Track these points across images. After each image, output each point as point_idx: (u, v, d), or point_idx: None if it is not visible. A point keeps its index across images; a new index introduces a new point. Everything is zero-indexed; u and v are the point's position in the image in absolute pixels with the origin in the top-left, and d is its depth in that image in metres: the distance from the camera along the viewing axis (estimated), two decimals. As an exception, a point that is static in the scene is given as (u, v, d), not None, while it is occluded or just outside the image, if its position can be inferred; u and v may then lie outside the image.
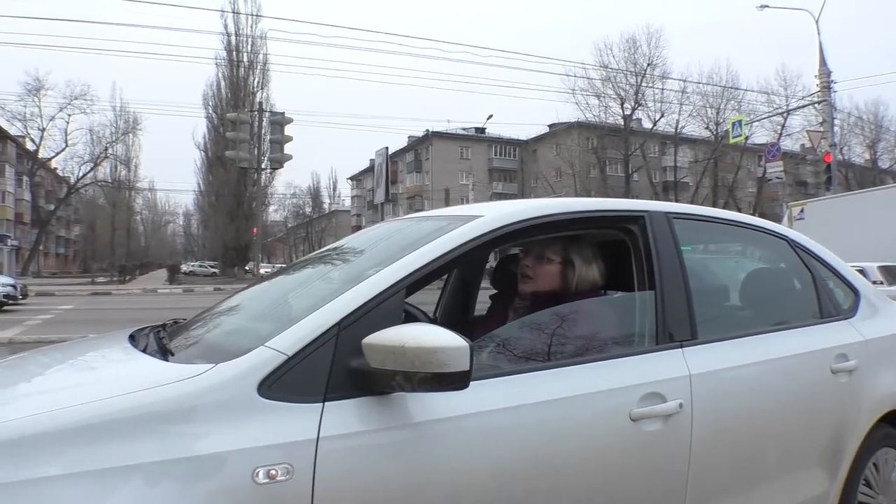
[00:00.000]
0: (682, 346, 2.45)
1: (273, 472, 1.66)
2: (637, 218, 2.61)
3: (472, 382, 1.83)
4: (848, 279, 3.33)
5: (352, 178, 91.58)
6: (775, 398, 2.64)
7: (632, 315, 2.52)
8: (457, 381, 1.73)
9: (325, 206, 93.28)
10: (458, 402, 1.89)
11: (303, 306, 2.07)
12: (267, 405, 1.73)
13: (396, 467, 1.81)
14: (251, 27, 50.46)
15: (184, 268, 56.66)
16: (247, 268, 48.52)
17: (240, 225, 49.99)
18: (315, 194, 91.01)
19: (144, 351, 2.22)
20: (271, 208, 70.20)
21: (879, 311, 3.33)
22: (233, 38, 50.85)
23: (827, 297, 3.16)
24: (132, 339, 2.50)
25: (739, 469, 2.52)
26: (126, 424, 1.61)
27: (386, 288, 1.97)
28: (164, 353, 2.14)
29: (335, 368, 1.82)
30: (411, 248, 2.15)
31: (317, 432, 1.73)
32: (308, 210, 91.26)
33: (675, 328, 2.46)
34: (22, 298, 21.91)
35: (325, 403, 1.78)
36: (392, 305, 1.96)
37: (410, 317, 2.82)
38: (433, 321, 3.50)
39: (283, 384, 1.77)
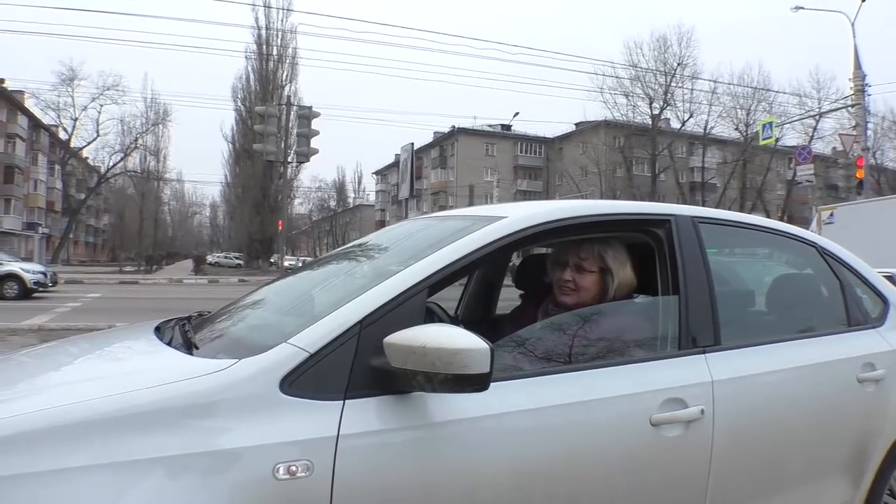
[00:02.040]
0: (704, 352, 2.42)
1: (294, 468, 1.67)
2: (663, 222, 2.58)
3: (493, 383, 1.83)
4: (877, 287, 3.28)
5: (377, 173, 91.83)
6: (799, 406, 2.61)
7: (655, 319, 2.50)
8: (477, 382, 1.73)
9: (350, 200, 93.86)
10: (478, 403, 1.89)
11: (326, 303, 2.08)
12: (289, 402, 1.74)
13: (415, 466, 1.82)
14: (281, 21, 50.95)
15: (209, 259, 57.26)
16: (271, 260, 48.86)
17: (265, 217, 50.42)
18: (340, 188, 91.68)
19: (170, 344, 2.24)
20: (296, 201, 70.81)
21: None
22: (263, 32, 51.37)
23: (855, 305, 3.11)
24: (158, 330, 2.53)
25: (760, 477, 2.50)
26: (150, 417, 1.63)
27: (409, 287, 1.97)
28: (189, 347, 2.16)
29: (356, 366, 1.83)
30: (435, 247, 2.16)
31: (337, 430, 1.74)
32: (333, 204, 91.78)
33: (699, 333, 2.44)
34: (52, 286, 22.36)
35: (346, 401, 1.79)
36: (414, 305, 1.97)
37: (432, 315, 2.82)
38: (455, 320, 3.50)
39: (304, 381, 1.78)
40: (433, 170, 73.54)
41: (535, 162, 72.25)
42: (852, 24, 24.29)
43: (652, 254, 2.59)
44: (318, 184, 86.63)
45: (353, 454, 1.74)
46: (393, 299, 1.93)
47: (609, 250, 2.62)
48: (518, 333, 2.33)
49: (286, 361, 1.79)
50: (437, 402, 1.86)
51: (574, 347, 2.32)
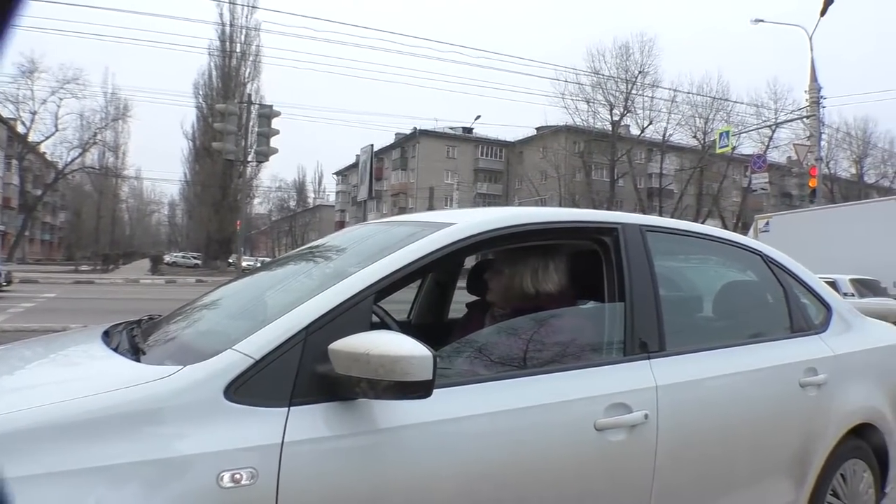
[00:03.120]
0: (650, 358, 2.46)
1: (238, 475, 1.65)
2: (610, 230, 2.62)
3: (439, 389, 1.85)
4: (820, 295, 3.37)
5: (337, 174, 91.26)
6: (743, 410, 2.67)
7: (601, 326, 2.54)
8: (420, 389, 1.74)
9: (310, 200, 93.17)
10: (423, 409, 1.89)
11: (273, 308, 2.08)
12: (233, 409, 1.73)
13: (361, 473, 1.82)
14: (246, 18, 50.39)
15: (167, 258, 56.36)
16: (230, 260, 48.35)
17: (224, 217, 49.86)
18: (300, 188, 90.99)
19: (116, 349, 2.20)
20: (256, 201, 69.88)
21: (852, 326, 3.37)
22: (227, 28, 50.76)
23: (799, 312, 3.19)
24: (106, 335, 2.49)
25: (705, 480, 2.55)
26: (91, 426, 1.60)
27: (354, 293, 1.97)
28: (136, 353, 2.13)
29: (301, 373, 1.82)
30: (382, 253, 2.16)
31: (282, 437, 1.74)
32: (292, 204, 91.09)
33: (644, 339, 2.48)
34: (6, 285, 21.86)
35: (291, 408, 1.78)
36: (360, 311, 1.97)
37: (380, 321, 2.83)
38: (406, 324, 3.51)
39: (249, 388, 1.77)
40: (394, 171, 73.34)
41: (496, 165, 72.46)
42: (810, 38, 24.78)
43: (600, 261, 2.63)
44: (279, 183, 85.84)
45: (298, 461, 1.74)
46: (339, 305, 1.93)
47: (527, 255, 2.66)
48: (465, 339, 2.35)
49: (231, 368, 1.77)
50: (382, 409, 1.86)
51: (520, 353, 2.34)
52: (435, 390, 1.84)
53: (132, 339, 2.35)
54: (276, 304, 2.11)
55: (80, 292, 23.00)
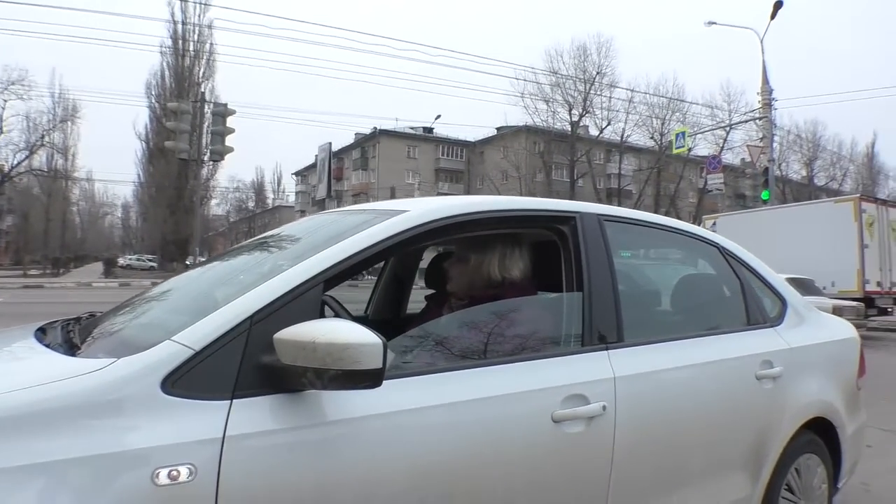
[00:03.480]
0: (607, 349, 2.43)
1: (175, 472, 1.57)
2: (568, 219, 2.58)
3: (392, 380, 1.80)
4: (776, 288, 3.38)
5: (296, 174, 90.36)
6: (700, 402, 2.65)
7: (559, 316, 2.49)
8: (369, 379, 1.67)
9: (269, 201, 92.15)
10: (374, 401, 1.83)
11: (217, 299, 1.98)
12: (171, 402, 1.64)
13: (308, 468, 1.74)
14: (199, 16, 49.63)
15: (121, 261, 55.50)
16: (187, 262, 47.64)
17: (180, 218, 49.09)
18: (259, 189, 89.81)
19: (49, 345, 2.09)
20: (213, 202, 69.01)
21: (805, 320, 3.39)
22: (179, 27, 49.95)
23: (755, 305, 3.19)
24: (43, 331, 2.37)
25: (662, 472, 2.52)
26: (13, 423, 1.50)
27: (302, 282, 1.89)
28: (71, 348, 2.03)
29: (245, 364, 1.74)
30: (333, 241, 2.09)
31: (223, 431, 1.65)
32: (251, 205, 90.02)
33: (602, 330, 2.45)
34: (-53, 290, 21.21)
35: (234, 401, 1.70)
36: (308, 300, 1.89)
37: (335, 315, 2.75)
38: (363, 320, 3.43)
39: (188, 380, 1.68)
40: (354, 171, 72.89)
41: (457, 165, 72.53)
42: (761, 41, 25.19)
43: (557, 251, 2.58)
44: (237, 184, 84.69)
45: (240, 456, 1.65)
46: (285, 294, 1.85)
47: (487, 242, 2.65)
48: (420, 329, 2.30)
49: (169, 360, 1.68)
50: (330, 401, 1.79)
51: (477, 343, 2.30)
52: (388, 381, 1.78)
53: (67, 335, 2.24)
54: (221, 295, 2.01)
55: (29, 297, 22.45)
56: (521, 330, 2.38)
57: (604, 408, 2.27)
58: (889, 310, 16.86)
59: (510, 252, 2.62)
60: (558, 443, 2.18)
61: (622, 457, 2.32)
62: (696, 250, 3.32)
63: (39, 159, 61.12)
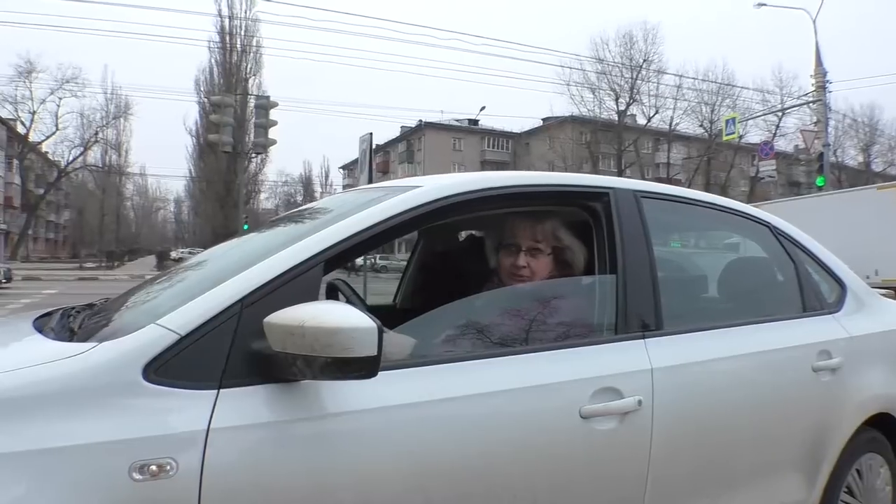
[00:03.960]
0: (644, 337, 2.21)
1: (154, 467, 1.43)
2: (601, 195, 2.36)
3: (400, 370, 1.66)
4: (834, 271, 3.10)
5: (343, 168, 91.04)
6: (749, 396, 2.42)
7: (591, 301, 2.29)
8: (362, 368, 1.50)
9: (317, 194, 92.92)
10: (378, 392, 1.66)
11: (211, 280, 1.82)
12: (153, 391, 1.50)
13: (302, 465, 1.58)
14: (245, 11, 50.01)
15: (173, 254, 56.35)
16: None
17: (229, 212, 49.49)
18: (307, 183, 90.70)
19: (41, 330, 1.96)
20: (262, 196, 69.73)
21: (866, 305, 3.11)
22: (226, 22, 50.37)
23: (811, 290, 2.93)
24: (47, 316, 2.27)
25: (706, 474, 2.30)
26: None
27: (299, 262, 1.73)
28: (67, 333, 1.90)
29: (235, 351, 1.59)
30: (338, 219, 1.91)
31: (208, 423, 1.50)
32: (299, 199, 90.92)
33: (639, 316, 2.23)
34: (6, 282, 21.97)
35: (221, 390, 1.55)
36: (306, 282, 1.72)
37: (338, 297, 2.58)
38: (390, 309, 3.28)
39: (173, 367, 1.53)
40: (400, 164, 73.12)
41: (502, 157, 72.09)
42: (814, 21, 24.43)
43: (589, 230, 2.37)
44: (285, 178, 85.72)
45: (226, 451, 1.50)
46: (281, 275, 1.69)
47: (561, 226, 2.42)
48: (435, 315, 2.10)
49: (152, 345, 1.54)
50: (328, 391, 1.63)
51: (498, 330, 2.10)
52: (396, 371, 1.65)
53: (66, 320, 2.12)
54: (216, 275, 1.85)
55: (83, 288, 22.95)
56: (548, 317, 2.19)
57: (639, 402, 2.06)
58: None
59: (574, 233, 2.42)
60: (587, 441, 1.97)
61: (660, 456, 2.10)
62: (744, 230, 3.05)
63: (94, 155, 62.73)
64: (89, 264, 43.52)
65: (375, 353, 1.49)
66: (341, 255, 1.83)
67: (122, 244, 64.04)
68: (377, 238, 1.91)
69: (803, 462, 2.60)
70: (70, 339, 1.79)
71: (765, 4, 27.14)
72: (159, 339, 1.54)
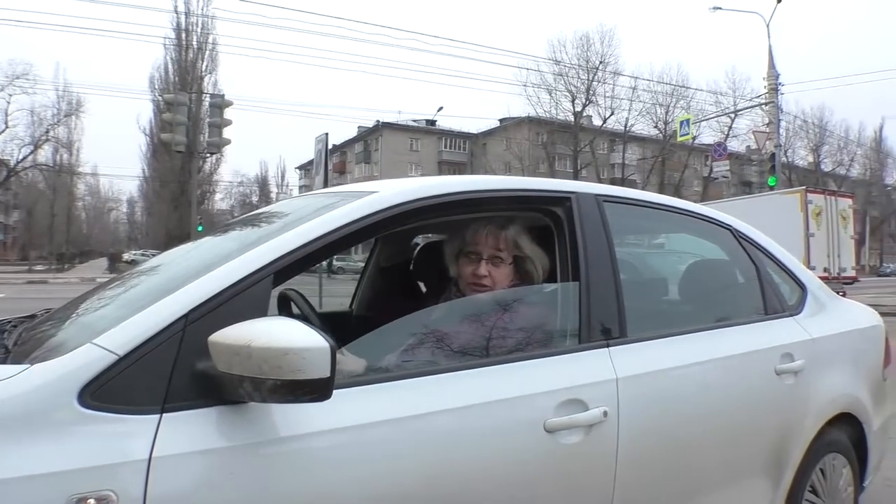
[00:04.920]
0: (608, 346, 2.15)
1: (92, 501, 1.31)
2: (562, 199, 2.29)
3: (354, 388, 1.57)
4: (794, 273, 3.10)
5: (299, 168, 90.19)
6: (714, 403, 2.38)
7: (554, 310, 2.22)
8: (315, 390, 1.40)
9: (273, 195, 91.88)
10: (332, 414, 1.56)
11: (154, 294, 1.70)
12: (89, 416, 1.38)
13: (252, 493, 1.47)
14: (202, 8, 49.17)
15: (125, 256, 55.24)
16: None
17: (183, 213, 48.61)
18: (262, 183, 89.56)
19: None
20: (217, 196, 68.72)
21: (826, 307, 3.12)
22: (182, 19, 49.47)
23: (772, 292, 2.91)
24: None
25: (673, 482, 2.25)
26: None
27: (248, 274, 1.62)
28: (2, 351, 1.78)
29: (178, 371, 1.47)
30: (289, 227, 1.81)
31: (150, 450, 1.39)
32: (255, 199, 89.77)
33: (602, 324, 2.16)
34: (-54, 286, 21.26)
35: (164, 414, 1.44)
36: (255, 296, 1.61)
37: (290, 308, 2.47)
38: (346, 316, 3.17)
39: (111, 390, 1.41)
40: (357, 164, 72.67)
41: (460, 157, 72.12)
42: (767, 25, 24.83)
43: (550, 237, 2.30)
44: (241, 178, 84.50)
45: (170, 480, 1.39)
46: (227, 289, 1.58)
47: (522, 234, 2.35)
48: (390, 329, 2.00)
49: (87, 367, 1.41)
50: (279, 413, 1.52)
51: (457, 344, 2.01)
52: (351, 389, 1.57)
53: (1, 337, 1.98)
54: (161, 287, 1.73)
55: (32, 292, 22.37)
56: (511, 327, 2.11)
57: (605, 413, 1.99)
58: (839, 293, 17.15)
59: (537, 245, 2.36)
60: (553, 455, 1.90)
61: (627, 468, 2.05)
62: (706, 233, 3.02)
63: (44, 154, 60.93)
64: (39, 267, 42.55)
65: (329, 375, 1.39)
66: (293, 266, 1.72)
67: (74, 246, 62.62)
68: (330, 247, 1.80)
69: (768, 465, 2.57)
70: (4, 360, 1.66)
71: (720, 8, 27.52)
72: (96, 360, 1.42)
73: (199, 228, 28.87)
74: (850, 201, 18.94)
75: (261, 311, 1.59)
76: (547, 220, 2.31)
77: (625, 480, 2.04)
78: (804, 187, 19.61)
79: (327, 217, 1.83)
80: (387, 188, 2.03)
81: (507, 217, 2.37)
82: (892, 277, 54.41)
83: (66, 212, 67.07)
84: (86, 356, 1.43)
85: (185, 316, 1.51)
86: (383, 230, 2.06)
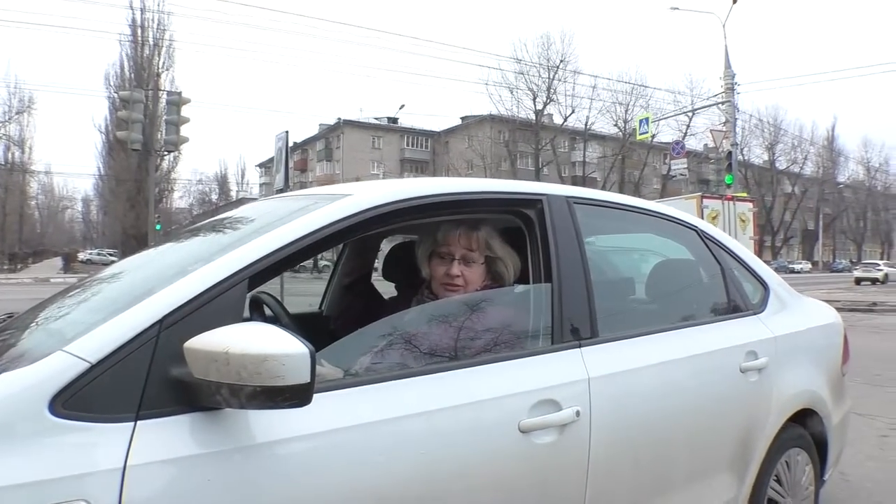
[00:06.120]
0: (580, 346, 2.17)
1: None
2: (534, 202, 2.31)
3: (329, 392, 1.56)
4: (757, 272, 3.17)
5: (260, 166, 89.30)
6: (682, 401, 2.42)
7: (525, 311, 2.23)
8: (295, 396, 1.38)
9: (233, 193, 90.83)
10: (307, 419, 1.55)
11: (125, 299, 1.67)
12: (61, 426, 1.34)
13: (230, 500, 1.46)
14: (158, 4, 48.37)
15: (81, 256, 54.31)
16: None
17: (140, 211, 47.83)
18: (222, 181, 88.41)
19: None
20: (176, 195, 67.53)
21: (788, 305, 3.19)
22: (138, 14, 48.64)
23: (736, 291, 2.97)
24: None
25: (643, 480, 2.28)
26: None
27: (223, 279, 1.60)
28: None
29: (153, 378, 1.44)
30: (263, 231, 1.80)
31: (124, 459, 1.36)
32: (214, 197, 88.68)
33: (574, 325, 2.19)
34: None
35: (139, 422, 1.41)
36: (229, 300, 1.59)
37: (262, 312, 2.44)
38: (316, 317, 3.16)
39: (83, 399, 1.37)
40: (318, 162, 72.29)
41: (422, 155, 72.18)
42: (723, 26, 25.27)
43: (520, 238, 2.32)
44: (199, 177, 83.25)
45: (145, 488, 1.36)
46: (202, 294, 1.55)
47: (494, 235, 2.38)
48: (364, 331, 2.00)
49: (58, 375, 1.37)
50: (255, 418, 1.51)
51: (431, 346, 2.02)
52: (326, 393, 1.55)
53: None
54: (131, 292, 1.70)
55: (-17, 293, 21.77)
56: (484, 328, 2.12)
57: (577, 413, 2.02)
58: None
59: (508, 246, 2.39)
60: (527, 456, 1.91)
61: (599, 467, 2.07)
62: (672, 234, 3.07)
63: (-5, 152, 59.44)
64: (-10, 267, 41.49)
65: (309, 381, 1.38)
66: (269, 269, 1.70)
67: (26, 245, 61.20)
68: (306, 250, 1.78)
69: (734, 461, 2.63)
70: None
71: (678, 8, 27.93)
72: (67, 369, 1.38)
73: (157, 227, 28.39)
74: (750, 205, 20.86)
75: (236, 316, 1.58)
76: (518, 222, 2.33)
77: (597, 478, 2.07)
78: (700, 193, 21.70)
79: (303, 220, 1.81)
80: (362, 191, 2.03)
81: (478, 219, 2.39)
82: (845, 273, 55.71)
83: (18, 211, 65.57)
84: (57, 364, 1.39)
85: (160, 321, 1.49)
86: (360, 233, 2.05)
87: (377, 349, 1.97)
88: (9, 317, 2.47)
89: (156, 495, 1.38)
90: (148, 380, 1.44)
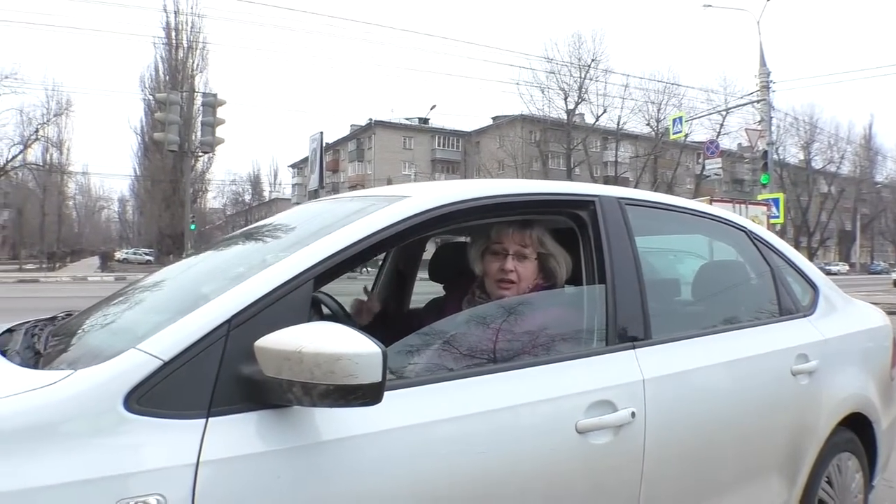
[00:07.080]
0: (634, 347, 2.18)
1: None
2: (587, 203, 2.33)
3: (392, 391, 1.56)
4: (807, 274, 3.14)
5: (293, 166, 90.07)
6: (735, 403, 2.42)
7: (579, 312, 2.25)
8: (367, 395, 1.41)
9: (266, 194, 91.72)
10: (374, 417, 1.57)
11: (193, 299, 1.71)
12: (136, 422, 1.38)
13: (299, 497, 1.49)
14: (192, 7, 49.10)
15: (117, 255, 55.18)
16: (184, 256, 47.18)
17: (175, 212, 48.62)
18: (255, 182, 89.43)
19: (4, 353, 1.81)
20: (210, 195, 68.58)
21: (837, 307, 3.16)
22: (172, 17, 49.39)
23: (786, 293, 2.95)
24: (8, 333, 2.12)
25: (695, 482, 2.28)
26: None
27: (288, 279, 1.63)
28: (32, 355, 1.77)
29: (223, 376, 1.48)
30: (325, 232, 1.83)
31: (197, 455, 1.40)
32: (248, 198, 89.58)
33: (628, 327, 2.19)
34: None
35: (210, 419, 1.45)
36: (296, 300, 1.63)
37: (322, 312, 2.48)
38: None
39: (157, 395, 1.42)
40: (350, 163, 72.70)
41: (453, 156, 72.25)
42: (757, 23, 24.98)
43: (576, 240, 2.33)
44: (233, 177, 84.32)
45: (217, 484, 1.40)
46: (269, 293, 1.59)
47: (546, 233, 2.40)
48: (423, 331, 2.02)
49: (133, 372, 1.42)
50: (324, 417, 1.54)
51: (489, 346, 2.04)
52: (393, 392, 1.56)
53: (31, 340, 1.97)
54: (198, 294, 1.75)
55: (23, 291, 22.26)
56: (539, 330, 2.13)
57: (633, 415, 2.02)
58: None
59: (555, 244, 2.41)
60: (584, 456, 1.93)
61: (653, 468, 2.08)
62: (722, 235, 3.06)
63: (34, 153, 60.61)
64: (30, 265, 42.37)
65: (381, 380, 1.41)
66: (332, 270, 1.74)
67: (64, 244, 62.31)
68: (367, 252, 1.82)
69: (785, 464, 2.61)
70: (36, 364, 1.66)
71: (710, 5, 27.64)
72: (142, 366, 1.43)
73: (192, 227, 28.73)
74: (763, 208, 20.29)
75: (302, 316, 1.61)
76: (570, 223, 2.34)
77: (651, 478, 2.07)
78: (709, 197, 21.48)
79: (364, 222, 1.85)
80: (420, 192, 2.07)
81: (530, 218, 2.41)
82: (883, 275, 54.71)
83: (56, 211, 66.87)
84: (131, 361, 1.44)
85: (229, 321, 1.53)
86: (417, 234, 2.07)
87: (436, 349, 1.99)
88: (68, 315, 2.53)
89: (227, 491, 1.41)
90: (218, 378, 1.48)
